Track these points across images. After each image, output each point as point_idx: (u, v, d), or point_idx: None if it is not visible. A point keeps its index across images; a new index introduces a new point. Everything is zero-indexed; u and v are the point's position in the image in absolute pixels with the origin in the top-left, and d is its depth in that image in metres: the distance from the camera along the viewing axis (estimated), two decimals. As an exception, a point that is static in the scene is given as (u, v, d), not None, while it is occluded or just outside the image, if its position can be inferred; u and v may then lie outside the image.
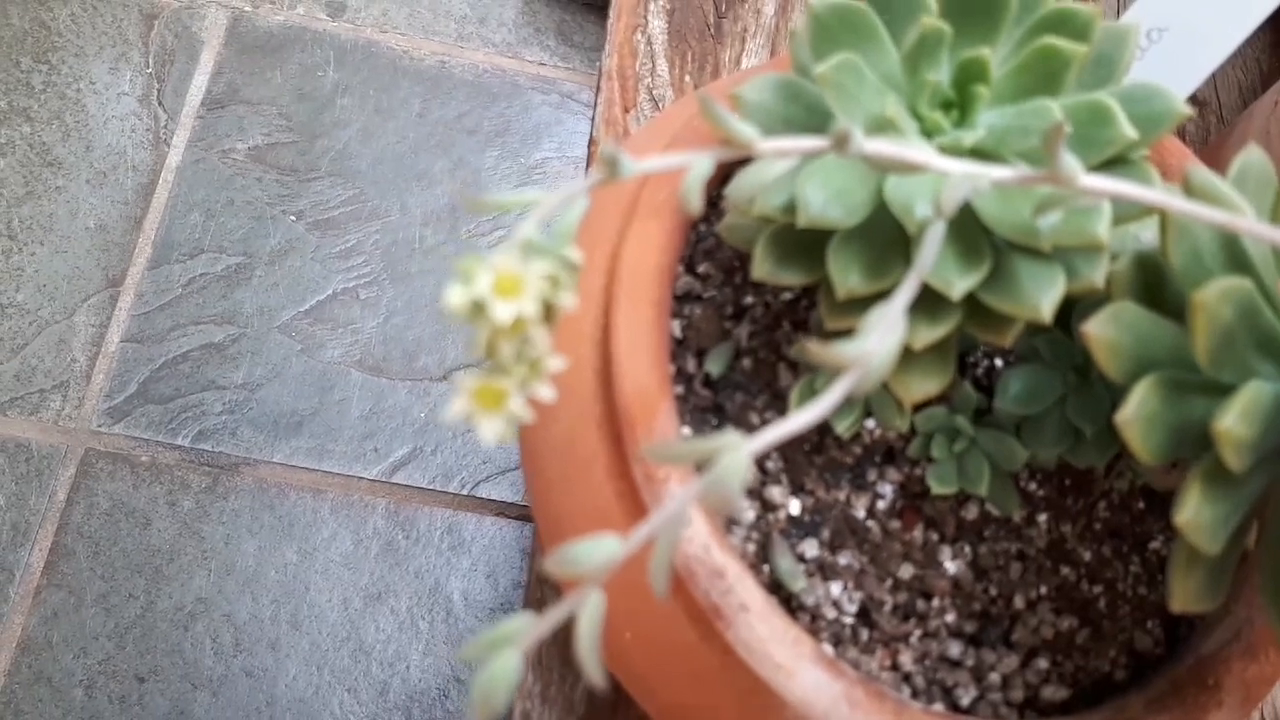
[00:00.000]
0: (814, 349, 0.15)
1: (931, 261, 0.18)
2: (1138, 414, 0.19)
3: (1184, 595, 0.21)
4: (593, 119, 0.41)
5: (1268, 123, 0.36)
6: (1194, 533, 0.19)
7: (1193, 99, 0.44)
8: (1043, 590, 0.27)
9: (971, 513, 0.27)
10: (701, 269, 0.28)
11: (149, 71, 1.03)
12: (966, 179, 0.17)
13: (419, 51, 1.07)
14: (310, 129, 1.03)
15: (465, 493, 0.94)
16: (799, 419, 0.15)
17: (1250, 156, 0.22)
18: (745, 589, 0.23)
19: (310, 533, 0.93)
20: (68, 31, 1.03)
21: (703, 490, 0.15)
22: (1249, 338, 0.19)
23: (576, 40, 1.10)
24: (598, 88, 0.40)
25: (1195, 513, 0.19)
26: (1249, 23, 0.25)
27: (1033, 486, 0.27)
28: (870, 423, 0.27)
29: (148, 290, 0.97)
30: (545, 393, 0.15)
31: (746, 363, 0.27)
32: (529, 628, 0.15)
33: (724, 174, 0.27)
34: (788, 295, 0.28)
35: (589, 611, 0.15)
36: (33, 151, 1.00)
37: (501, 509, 0.95)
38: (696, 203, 0.16)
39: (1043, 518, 0.27)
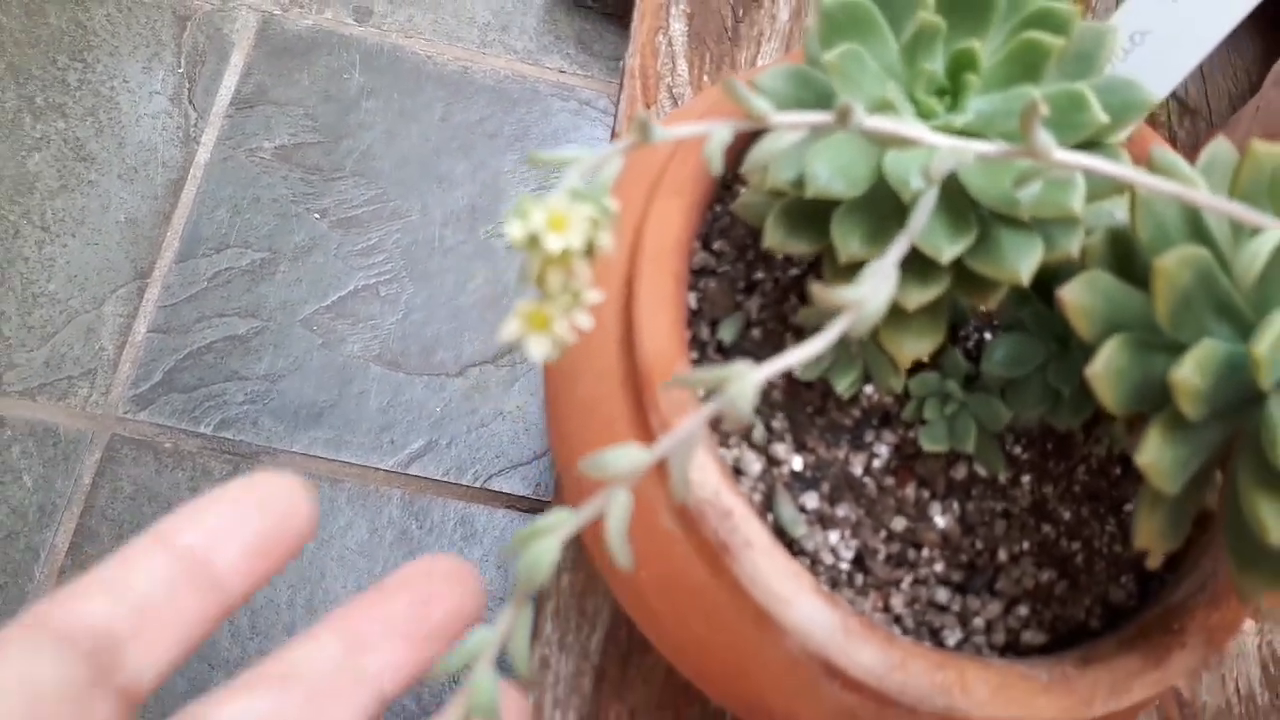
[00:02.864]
0: (818, 290, 0.18)
1: (923, 225, 0.20)
2: (1106, 368, 0.22)
3: (1147, 534, 0.23)
4: (615, 114, 0.43)
5: (1250, 127, 0.39)
6: (1153, 472, 0.21)
7: (1185, 107, 0.46)
8: (1025, 545, 0.29)
9: (960, 473, 0.29)
10: (716, 246, 0.30)
11: (180, 71, 1.06)
12: (954, 151, 0.19)
13: (442, 57, 1.10)
14: (335, 130, 1.06)
15: (478, 485, 0.97)
16: (802, 351, 0.18)
17: (1218, 147, 0.24)
18: (750, 528, 0.25)
19: (327, 520, 0.95)
20: (103, 31, 1.07)
21: (717, 409, 0.17)
22: (1206, 301, 0.21)
23: (595, 49, 1.13)
24: (620, 85, 0.43)
25: (1155, 455, 0.21)
26: (1224, 26, 0.28)
27: (1018, 450, 0.29)
28: (869, 389, 0.29)
29: (175, 283, 1.00)
30: (584, 321, 0.17)
31: (756, 332, 0.30)
32: (567, 520, 0.17)
33: (736, 161, 0.29)
34: (794, 271, 0.30)
35: (618, 506, 0.17)
36: (67, 147, 1.03)
37: (513, 502, 0.97)
38: (718, 164, 0.18)
39: (1026, 479, 0.29)
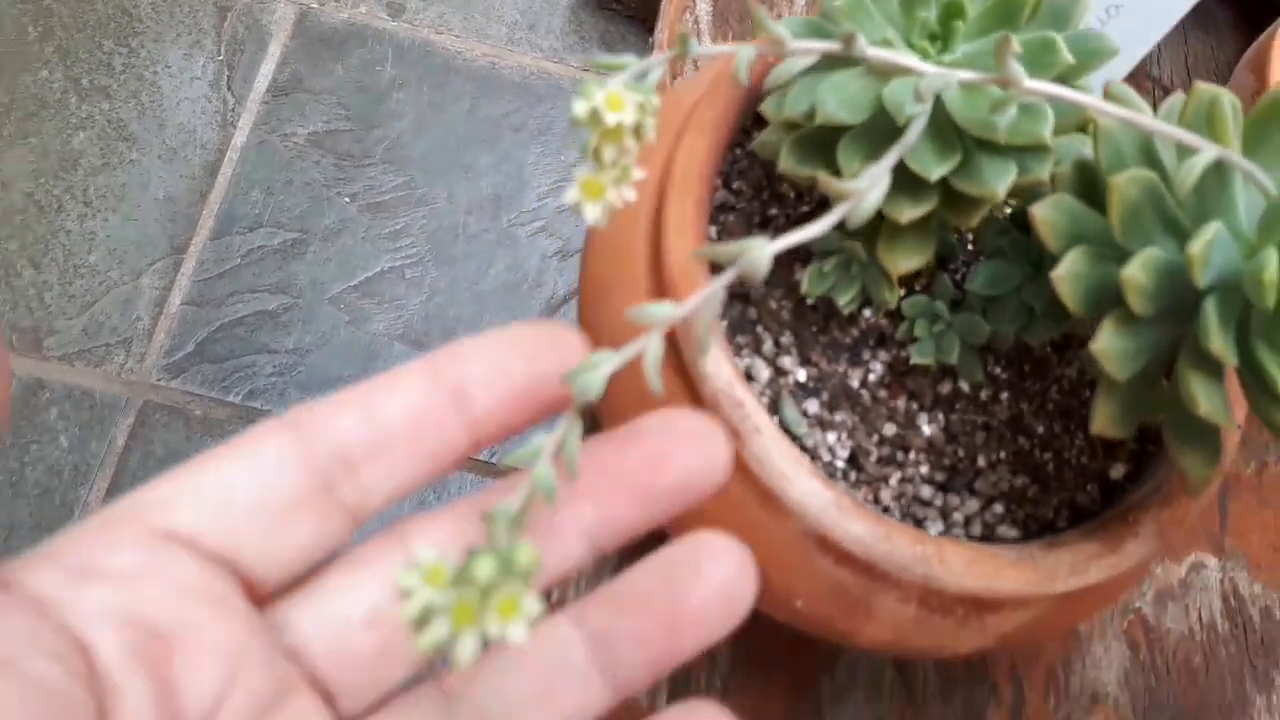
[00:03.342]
0: (824, 179, 0.22)
1: (914, 143, 0.24)
2: (1068, 272, 0.26)
3: (1102, 420, 0.27)
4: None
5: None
6: (1104, 358, 0.25)
7: (1168, 92, 0.50)
8: (1002, 454, 0.33)
9: (946, 389, 0.33)
10: (735, 185, 0.34)
11: (220, 59, 1.11)
12: (940, 76, 0.23)
13: (471, 53, 1.14)
14: (367, 119, 1.10)
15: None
16: (813, 228, 0.22)
17: (1174, 99, 0.28)
18: (759, 417, 0.29)
19: (348, 489, 0.98)
20: (148, 19, 1.11)
21: (736, 271, 0.21)
22: (1153, 216, 0.25)
23: (618, 49, 1.18)
24: (650, 52, 0.47)
25: (1106, 343, 0.25)
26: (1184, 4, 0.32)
27: (998, 371, 0.33)
28: (867, 312, 0.33)
29: (209, 259, 1.04)
30: (630, 194, 0.21)
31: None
32: (610, 357, 0.21)
33: (752, 112, 0.33)
34: (804, 208, 0.34)
35: (654, 345, 0.21)
36: (110, 127, 1.08)
37: (527, 478, 1.01)
38: (744, 76, 0.22)
39: (1005, 396, 0.33)
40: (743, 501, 0.30)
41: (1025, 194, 0.28)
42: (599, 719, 0.21)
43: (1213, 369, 0.25)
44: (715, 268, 0.34)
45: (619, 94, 0.19)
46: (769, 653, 0.39)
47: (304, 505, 0.19)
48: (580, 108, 0.19)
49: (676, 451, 0.21)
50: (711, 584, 0.20)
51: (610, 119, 0.19)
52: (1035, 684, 0.41)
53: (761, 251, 0.21)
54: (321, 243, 1.05)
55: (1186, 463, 0.27)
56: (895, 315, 0.33)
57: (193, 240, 1.04)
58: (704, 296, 0.22)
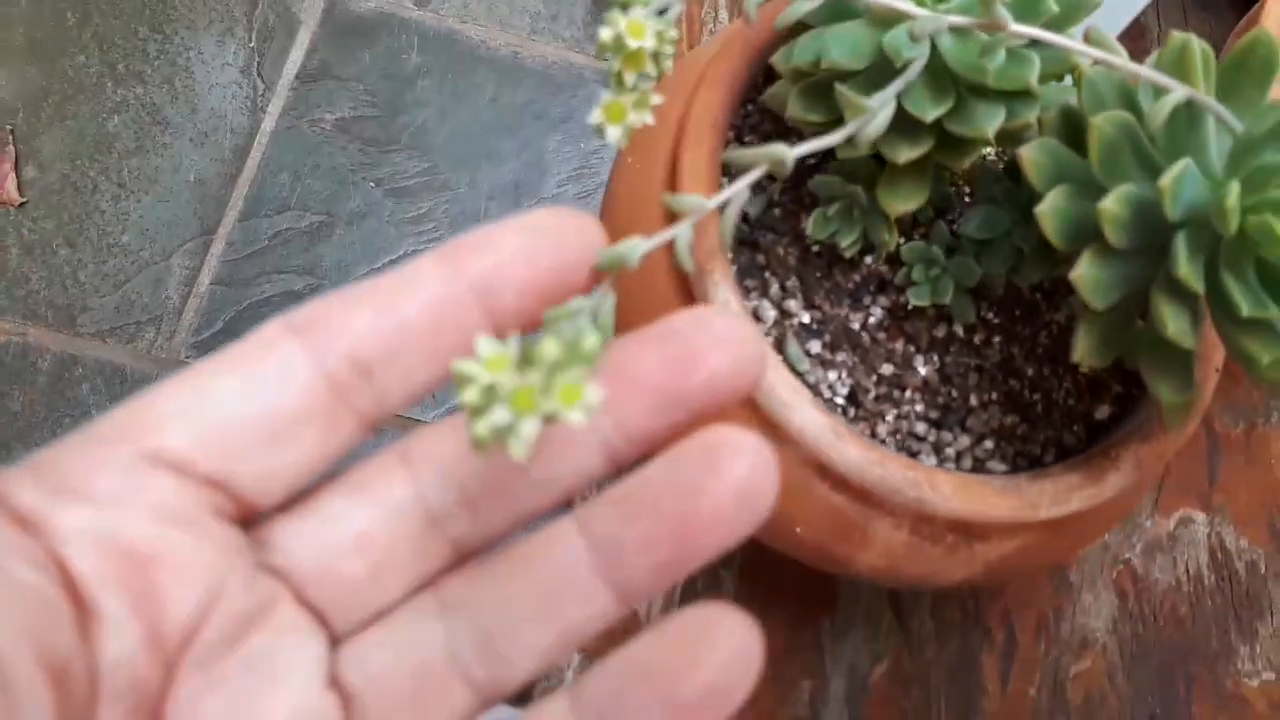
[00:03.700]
0: (841, 90, 0.24)
1: (912, 83, 0.26)
2: (1050, 207, 0.28)
3: (1082, 349, 0.29)
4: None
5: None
6: (1082, 285, 0.27)
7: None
8: (993, 395, 0.35)
9: (941, 332, 0.35)
10: (747, 139, 0.37)
11: (251, 45, 1.14)
12: (933, 19, 0.25)
13: (495, 42, 1.16)
14: (392, 106, 1.13)
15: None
16: (832, 137, 0.24)
17: (1155, 56, 0.30)
18: (764, 348, 0.31)
19: (369, 465, 1.01)
20: (182, 6, 1.14)
21: (763, 163, 0.23)
22: (1129, 154, 0.27)
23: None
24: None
25: (1084, 271, 0.27)
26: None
27: (990, 315, 0.35)
28: (869, 259, 0.35)
29: (238, 240, 1.07)
30: (649, 118, 0.23)
31: (777, 211, 0.36)
32: (643, 242, 0.23)
33: (763, 72, 0.35)
34: (811, 161, 0.36)
35: (685, 230, 0.23)
36: (144, 111, 1.11)
37: (543, 458, 1.03)
38: (753, 13, 0.25)
39: (997, 340, 0.35)
40: (747, 427, 0.32)
41: (1015, 139, 0.30)
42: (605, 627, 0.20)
43: (1183, 297, 0.27)
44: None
45: (640, 22, 0.22)
46: (773, 589, 0.41)
47: (311, 417, 0.19)
48: (606, 33, 0.22)
49: (707, 354, 0.19)
50: (728, 483, 0.18)
51: (632, 44, 0.22)
52: (1027, 628, 0.43)
53: (785, 151, 0.24)
54: (347, 226, 1.08)
55: (1160, 390, 0.28)
56: (895, 263, 0.35)
57: (222, 222, 1.07)
58: (730, 191, 0.24)
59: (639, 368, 0.19)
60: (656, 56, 0.23)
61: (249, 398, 0.18)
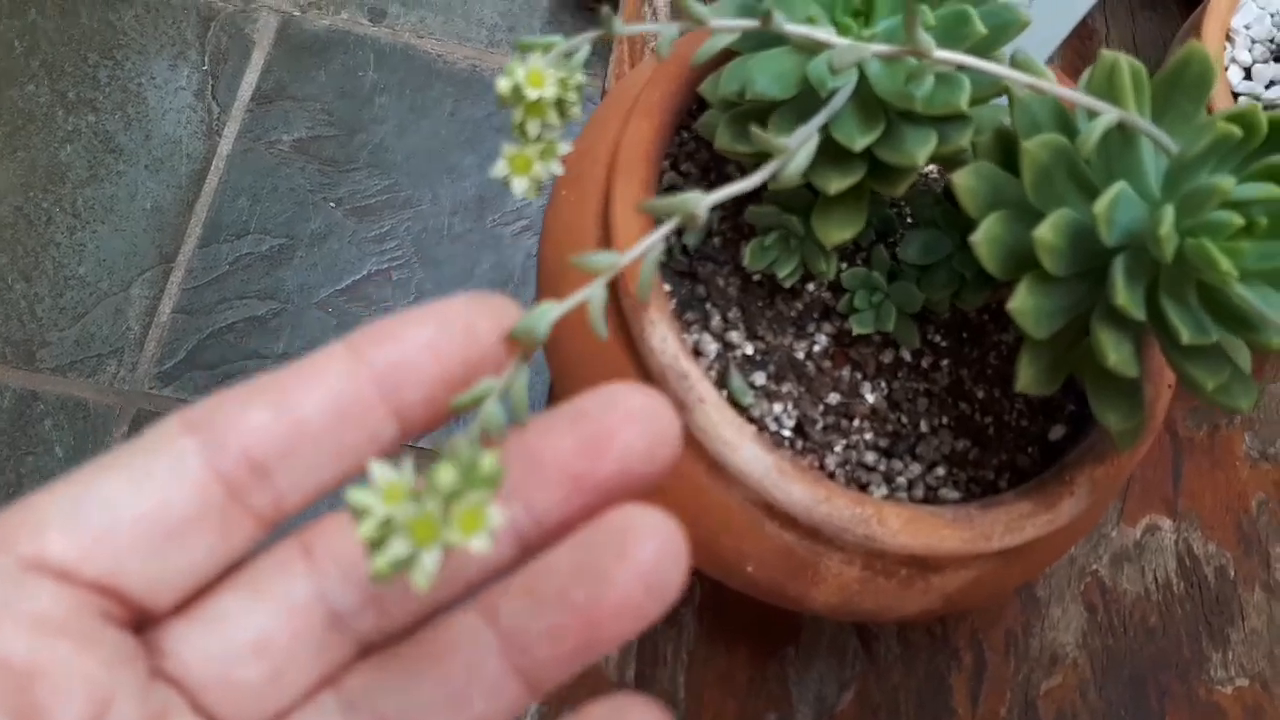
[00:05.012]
0: (757, 132, 0.23)
1: (840, 112, 0.25)
2: (986, 236, 0.27)
3: (1026, 378, 0.28)
4: (605, 76, 0.49)
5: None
6: (1020, 317, 0.26)
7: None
8: (944, 419, 0.34)
9: (888, 358, 0.34)
10: (683, 168, 0.36)
11: (205, 69, 1.12)
12: (853, 48, 0.24)
13: (452, 56, 1.15)
14: (350, 124, 1.12)
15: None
16: (746, 181, 0.23)
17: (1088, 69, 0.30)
18: (703, 387, 0.30)
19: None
20: (132, 31, 1.13)
21: (675, 215, 0.22)
22: (1064, 178, 0.26)
23: (598, 50, 1.19)
24: (610, 49, 0.48)
25: (1022, 302, 0.26)
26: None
27: (937, 338, 0.34)
28: (811, 285, 0.34)
29: (198, 267, 1.06)
30: (557, 168, 0.22)
31: (716, 240, 0.35)
32: (556, 306, 0.22)
33: (697, 100, 0.34)
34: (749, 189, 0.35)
35: (599, 290, 0.22)
36: (97, 139, 1.09)
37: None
38: (665, 52, 0.24)
39: (945, 363, 0.34)
40: (691, 471, 0.31)
41: (954, 161, 0.29)
42: None
43: (1124, 324, 0.26)
44: (669, 248, 0.35)
45: (540, 70, 0.21)
46: (734, 623, 0.40)
47: (205, 518, 0.18)
48: (503, 84, 0.21)
49: (618, 434, 0.18)
50: (636, 569, 0.18)
51: (531, 94, 0.21)
52: (995, 647, 0.42)
53: (698, 201, 0.23)
54: (308, 248, 1.07)
55: (1107, 418, 0.28)
56: (838, 289, 0.34)
57: (181, 249, 1.06)
58: (644, 246, 0.23)
59: (550, 452, 0.19)
60: (560, 104, 0.22)
61: (137, 498, 0.18)
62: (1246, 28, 0.39)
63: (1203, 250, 0.24)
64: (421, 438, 0.20)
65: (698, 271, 0.34)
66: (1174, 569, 0.44)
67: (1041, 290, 0.26)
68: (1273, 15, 0.39)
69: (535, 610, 0.18)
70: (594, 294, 0.22)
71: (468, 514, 0.16)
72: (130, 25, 1.12)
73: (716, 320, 0.34)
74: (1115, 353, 0.25)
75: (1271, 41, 0.39)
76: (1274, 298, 0.25)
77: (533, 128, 0.21)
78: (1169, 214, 0.24)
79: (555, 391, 0.39)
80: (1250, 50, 0.39)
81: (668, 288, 0.34)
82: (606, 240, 0.33)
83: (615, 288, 0.33)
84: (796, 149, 0.23)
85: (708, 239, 0.35)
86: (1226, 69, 0.39)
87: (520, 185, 0.22)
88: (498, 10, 1.18)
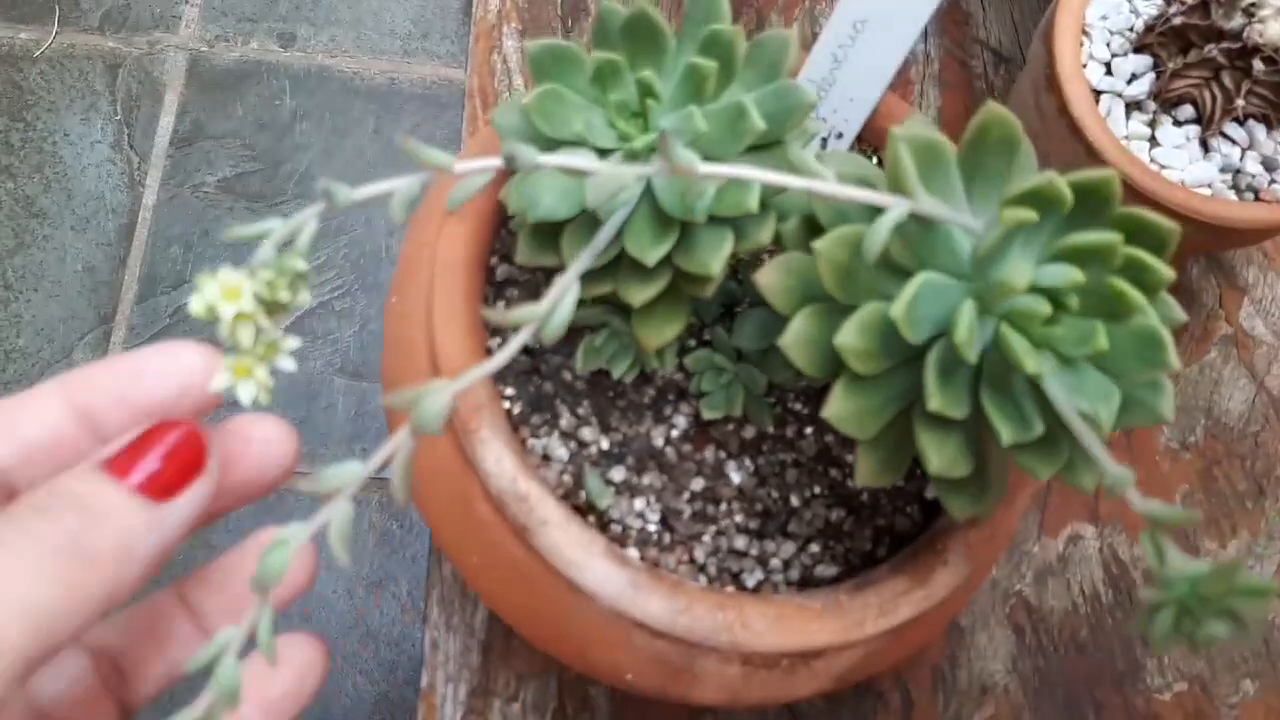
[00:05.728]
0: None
1: (605, 242, 0.24)
2: (795, 339, 0.25)
3: (865, 473, 0.27)
4: (462, 129, 0.47)
5: (1025, 78, 0.42)
6: (840, 423, 0.25)
7: (1000, 57, 0.49)
8: (815, 489, 0.33)
9: (750, 433, 0.32)
10: (517, 259, 0.34)
11: (118, 118, 1.10)
12: (609, 179, 0.23)
13: (368, 71, 1.12)
14: (273, 156, 1.09)
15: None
16: (493, 361, 0.21)
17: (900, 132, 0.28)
18: (546, 507, 0.29)
19: (310, 531, 0.99)
20: (39, 89, 1.10)
21: (412, 425, 0.21)
22: (869, 270, 0.25)
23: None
24: (464, 106, 0.46)
25: (838, 409, 0.25)
26: (927, 8, 0.31)
27: (798, 406, 0.33)
28: (665, 370, 0.32)
29: (138, 323, 1.04)
30: (287, 364, 0.21)
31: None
32: (359, 470, 0.21)
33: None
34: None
35: (404, 444, 0.21)
36: (18, 205, 1.07)
37: (486, 492, 1.01)
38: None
39: (809, 430, 0.33)
40: (554, 590, 0.30)
41: (760, 252, 0.27)
42: None
43: (946, 424, 0.24)
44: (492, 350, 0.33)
45: (234, 284, 0.19)
46: (645, 703, 0.39)
47: None
48: (195, 305, 0.19)
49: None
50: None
51: (227, 311, 0.19)
52: (921, 685, 0.41)
53: (437, 399, 0.21)
54: (247, 289, 1.04)
55: (951, 507, 0.26)
56: (676, 368, 0.32)
57: (119, 307, 1.04)
58: (396, 443, 0.22)
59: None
60: (273, 305, 0.20)
61: None
62: (1104, 18, 0.37)
63: (1010, 348, 0.22)
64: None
65: (541, 368, 0.33)
66: (1100, 578, 0.42)
67: (857, 393, 0.25)
68: (1129, 2, 0.37)
69: None
70: (400, 450, 0.20)
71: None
72: (36, 83, 1.10)
73: (566, 419, 0.32)
74: (938, 457, 0.24)
75: (1131, 30, 0.37)
76: (1097, 381, 0.23)
77: (244, 336, 0.20)
78: (967, 313, 0.22)
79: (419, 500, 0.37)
80: (1109, 44, 0.36)
81: (510, 391, 0.32)
82: (433, 353, 0.31)
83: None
84: (550, 310, 0.21)
85: (551, 330, 0.33)
86: (1085, 66, 0.36)
87: (247, 392, 0.20)
88: (409, 17, 1.15)
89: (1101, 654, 0.42)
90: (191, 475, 0.22)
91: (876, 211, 0.26)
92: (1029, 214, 0.22)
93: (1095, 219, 0.24)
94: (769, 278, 0.26)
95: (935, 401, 0.23)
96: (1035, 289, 0.23)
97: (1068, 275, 0.22)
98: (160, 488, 0.21)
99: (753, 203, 0.25)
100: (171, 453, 0.21)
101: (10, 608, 0.18)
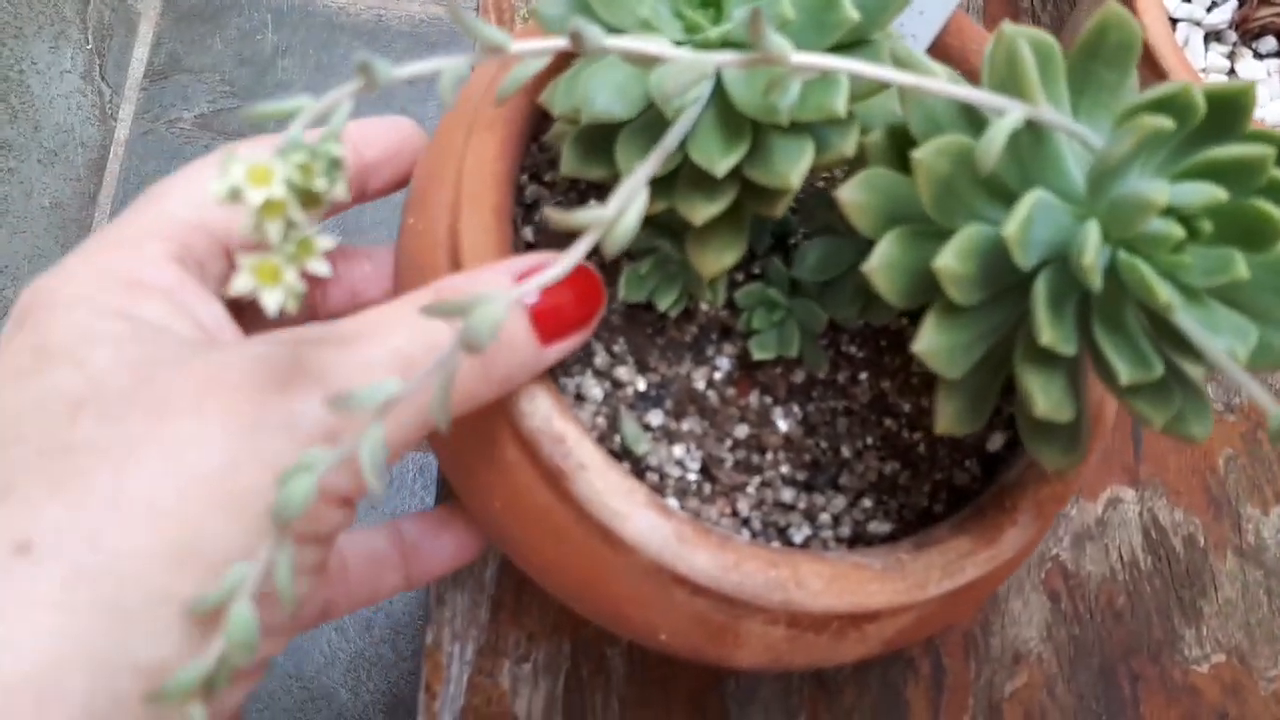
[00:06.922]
0: (553, 214, 0.18)
1: (676, 142, 0.21)
2: (882, 262, 0.22)
3: (945, 419, 0.24)
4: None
5: (1089, 6, 0.39)
6: (931, 359, 0.22)
7: (1035, 21, 0.46)
8: (868, 440, 0.30)
9: (799, 377, 0.30)
10: (548, 178, 0.31)
11: (89, 47, 1.04)
12: (688, 67, 0.20)
13: (355, 7, 1.08)
14: (254, 92, 1.05)
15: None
16: (572, 253, 0.18)
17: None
18: (584, 450, 0.26)
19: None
20: (3, 14, 1.05)
21: (461, 335, 0.18)
22: (972, 187, 0.22)
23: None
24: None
25: (929, 342, 0.22)
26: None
27: (853, 349, 0.30)
28: (705, 305, 0.30)
29: (108, 262, 0.99)
30: (320, 268, 0.18)
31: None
32: (393, 388, 0.18)
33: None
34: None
35: (441, 392, 0.18)
36: (-18, 135, 1.02)
37: (469, 447, 0.98)
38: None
39: (864, 376, 0.30)
40: (585, 540, 0.27)
41: (841, 166, 0.24)
42: None
43: (1053, 361, 0.22)
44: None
45: (264, 166, 0.16)
46: (665, 665, 0.37)
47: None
48: (218, 187, 0.16)
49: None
50: None
51: (254, 197, 0.16)
52: (953, 652, 0.38)
53: (490, 309, 0.18)
54: (223, 230, 1.00)
55: (1043, 457, 0.24)
56: (726, 303, 0.30)
57: (88, 245, 0.99)
58: (439, 360, 0.19)
59: None
60: (308, 195, 0.17)
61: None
62: (1182, -60, 0.34)
63: (1137, 277, 0.20)
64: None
65: (574, 300, 0.30)
66: (1140, 543, 0.40)
67: (951, 324, 0.22)
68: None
69: None
70: (447, 362, 0.17)
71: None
72: (1, 6, 1.04)
73: (601, 356, 0.29)
74: (1044, 398, 0.21)
75: (1210, -46, 0.34)
76: (1227, 317, 0.21)
77: (273, 231, 0.16)
78: (1093, 235, 0.19)
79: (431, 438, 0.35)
80: (1188, -32, 0.34)
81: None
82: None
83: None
84: (615, 217, 0.18)
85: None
86: (1162, -8, 0.34)
87: (273, 299, 0.17)
88: (398, -48, 1.10)
89: (1138, 623, 0.40)
90: (577, 328, 0.25)
91: (976, 125, 0.23)
92: (1165, 122, 0.19)
93: (1227, 136, 0.21)
94: (852, 195, 0.23)
95: (1047, 335, 0.20)
96: (1167, 210, 0.20)
97: (1208, 194, 0.20)
98: (550, 335, 0.25)
99: (840, 105, 0.22)
100: (578, 300, 0.25)
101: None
